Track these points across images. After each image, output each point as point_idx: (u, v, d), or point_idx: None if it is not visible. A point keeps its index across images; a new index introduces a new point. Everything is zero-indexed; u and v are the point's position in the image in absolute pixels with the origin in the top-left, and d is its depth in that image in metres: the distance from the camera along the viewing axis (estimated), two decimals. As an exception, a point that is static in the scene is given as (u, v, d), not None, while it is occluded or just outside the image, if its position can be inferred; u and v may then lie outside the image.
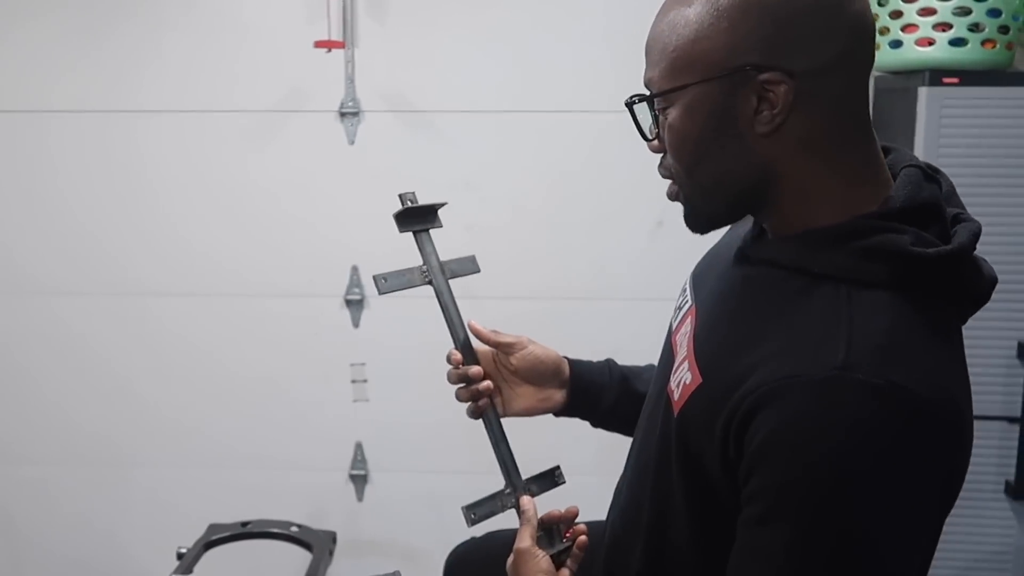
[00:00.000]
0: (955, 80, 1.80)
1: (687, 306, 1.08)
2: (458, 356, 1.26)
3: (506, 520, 1.41)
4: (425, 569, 2.36)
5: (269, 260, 2.33)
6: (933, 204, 0.90)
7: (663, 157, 0.97)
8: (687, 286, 1.12)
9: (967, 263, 0.89)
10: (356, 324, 2.36)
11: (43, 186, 2.33)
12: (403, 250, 2.27)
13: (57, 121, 2.30)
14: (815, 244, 0.89)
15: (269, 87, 2.26)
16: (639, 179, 2.28)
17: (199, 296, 2.35)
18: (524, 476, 1.25)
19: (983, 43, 1.80)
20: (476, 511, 1.23)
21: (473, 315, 2.39)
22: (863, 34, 0.90)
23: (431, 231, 1.30)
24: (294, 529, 1.66)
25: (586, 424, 2.24)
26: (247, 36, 2.25)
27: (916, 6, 1.79)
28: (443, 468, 2.38)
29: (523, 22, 2.23)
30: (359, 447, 2.40)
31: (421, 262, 1.28)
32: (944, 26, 1.79)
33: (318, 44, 2.11)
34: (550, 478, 1.27)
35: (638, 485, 1.07)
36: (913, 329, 0.85)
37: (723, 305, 1.00)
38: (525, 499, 1.19)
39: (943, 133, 1.81)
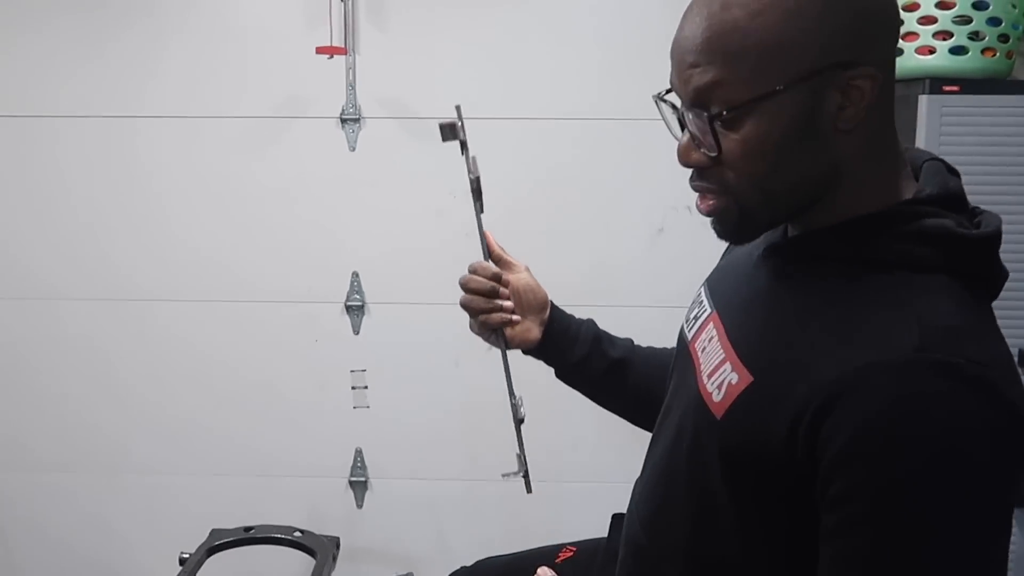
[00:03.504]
0: (955, 88, 1.80)
1: (705, 314, 1.06)
2: (493, 267, 1.28)
3: (496, 547, 1.42)
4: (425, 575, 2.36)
5: (269, 266, 2.33)
6: (961, 195, 0.91)
7: (705, 170, 0.91)
8: (703, 297, 1.10)
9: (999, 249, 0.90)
10: (356, 331, 2.36)
11: (49, 190, 2.33)
12: (403, 256, 2.28)
13: (62, 126, 2.30)
14: (862, 231, 0.88)
15: (270, 93, 2.27)
16: (640, 186, 2.29)
17: (199, 302, 2.35)
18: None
19: (983, 51, 1.80)
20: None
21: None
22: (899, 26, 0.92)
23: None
24: (297, 534, 1.65)
25: (587, 431, 2.24)
26: (248, 42, 2.25)
27: (917, 15, 1.80)
28: (443, 475, 2.37)
29: (523, 29, 2.23)
30: (359, 453, 2.40)
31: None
32: (944, 34, 1.79)
33: (320, 50, 2.12)
34: (516, 406, 1.29)
35: (667, 497, 1.04)
36: (973, 311, 0.85)
37: (758, 303, 0.98)
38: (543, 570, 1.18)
39: (943, 141, 1.81)
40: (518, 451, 1.27)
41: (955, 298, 0.84)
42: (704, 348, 1.01)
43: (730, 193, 0.90)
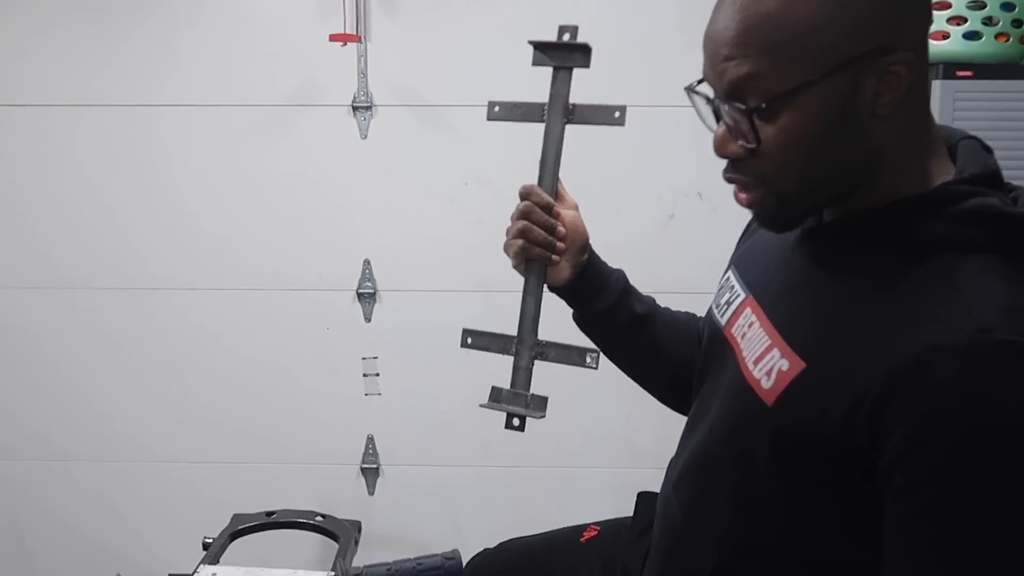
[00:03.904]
0: (969, 73, 1.80)
1: (739, 299, 1.05)
2: (548, 197, 1.21)
3: (509, 534, 1.42)
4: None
5: (281, 254, 2.34)
6: (999, 173, 0.91)
7: (740, 161, 0.90)
8: (733, 281, 1.09)
9: None
10: (368, 318, 2.36)
11: (66, 179, 2.34)
12: (415, 244, 2.28)
13: (78, 115, 2.30)
14: (908, 214, 0.88)
15: (282, 81, 2.27)
16: (649, 172, 2.29)
17: (211, 290, 2.35)
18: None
19: (997, 36, 1.80)
20: (472, 337, 1.25)
21: (484, 308, 2.39)
22: None
23: (574, 70, 1.27)
24: (319, 519, 1.65)
25: (600, 417, 2.23)
26: (261, 30, 2.25)
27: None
28: (455, 461, 2.38)
29: (534, 17, 2.23)
30: (371, 440, 2.41)
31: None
32: (958, 19, 1.79)
33: (333, 37, 2.12)
34: (577, 354, 1.22)
35: (709, 482, 1.03)
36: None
37: (801, 288, 0.97)
38: None
39: (956, 126, 1.80)
40: (520, 389, 1.21)
41: (1006, 277, 0.83)
42: (744, 334, 1.00)
43: (767, 184, 0.90)
